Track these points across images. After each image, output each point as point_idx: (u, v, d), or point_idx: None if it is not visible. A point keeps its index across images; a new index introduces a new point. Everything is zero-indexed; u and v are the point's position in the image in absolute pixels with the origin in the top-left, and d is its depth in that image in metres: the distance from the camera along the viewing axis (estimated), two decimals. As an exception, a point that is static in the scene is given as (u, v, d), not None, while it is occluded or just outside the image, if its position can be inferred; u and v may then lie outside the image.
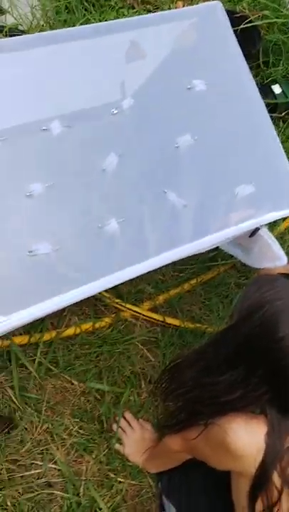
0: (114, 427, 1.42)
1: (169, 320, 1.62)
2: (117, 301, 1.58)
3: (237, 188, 1.25)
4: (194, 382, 1.12)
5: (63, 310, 1.48)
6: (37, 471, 1.32)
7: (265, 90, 1.99)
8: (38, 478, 1.31)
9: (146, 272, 1.17)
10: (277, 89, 2.00)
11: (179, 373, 1.19)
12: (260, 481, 1.05)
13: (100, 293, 1.44)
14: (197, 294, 1.73)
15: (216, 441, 1.08)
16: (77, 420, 1.41)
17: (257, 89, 1.45)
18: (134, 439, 1.42)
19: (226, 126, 1.33)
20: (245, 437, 1.04)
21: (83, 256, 1.11)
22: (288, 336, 0.95)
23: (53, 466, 1.34)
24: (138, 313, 1.60)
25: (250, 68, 1.50)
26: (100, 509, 1.32)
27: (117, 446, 1.40)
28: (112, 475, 1.38)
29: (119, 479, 1.38)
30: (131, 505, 1.37)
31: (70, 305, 1.23)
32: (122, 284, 1.24)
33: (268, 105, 1.68)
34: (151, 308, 1.64)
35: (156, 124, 1.23)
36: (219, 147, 1.29)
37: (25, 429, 1.36)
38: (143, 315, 1.61)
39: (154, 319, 1.62)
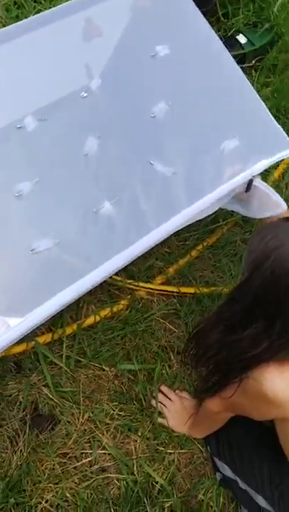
0: (153, 402, 1.44)
1: (184, 289, 1.63)
2: (130, 281, 1.59)
3: (222, 144, 1.25)
4: (220, 343, 1.13)
5: (79, 301, 1.50)
6: (88, 459, 1.34)
7: (230, 43, 1.97)
8: (90, 466, 1.34)
9: (150, 246, 1.18)
10: (242, 39, 1.97)
11: (203, 338, 1.20)
12: None
13: (111, 277, 1.45)
14: (206, 259, 1.73)
15: (254, 393, 1.10)
16: (116, 403, 1.43)
17: (221, 43, 1.43)
18: (175, 409, 1.44)
19: (198, 86, 1.32)
20: (281, 383, 1.05)
21: (85, 244, 1.12)
22: None
23: (103, 451, 1.37)
24: (152, 289, 1.61)
25: (211, 24, 1.48)
26: (157, 482, 1.35)
27: (160, 420, 1.43)
28: (162, 448, 1.40)
29: (168, 451, 1.40)
30: (185, 472, 1.40)
31: (85, 295, 1.26)
32: (130, 264, 1.25)
33: (236, 57, 1.66)
34: (164, 282, 1.65)
35: (128, 99, 1.22)
36: (196, 108, 1.28)
37: (68, 422, 1.38)
38: (157, 290, 1.62)
39: (169, 292, 1.63)
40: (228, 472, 1.37)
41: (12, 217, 1.08)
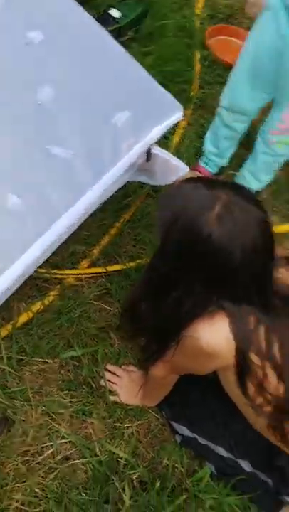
0: (102, 382, 1.47)
1: (111, 268, 1.66)
2: (55, 271, 1.59)
3: (113, 118, 1.26)
4: (149, 312, 1.17)
5: (8, 301, 1.48)
6: (50, 451, 1.35)
7: (104, 19, 1.97)
8: (53, 457, 1.35)
9: (64, 232, 1.18)
10: (115, 13, 1.98)
11: (133, 310, 1.23)
12: (242, 366, 1.12)
13: (36, 271, 1.45)
14: (126, 234, 1.76)
15: (192, 350, 1.14)
16: (66, 392, 1.44)
17: (95, 21, 1.43)
18: (124, 384, 1.47)
19: (80, 66, 1.32)
20: (214, 335, 1.10)
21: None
22: (214, 230, 0.99)
23: (63, 441, 1.38)
24: (80, 274, 1.62)
25: (81, 3, 1.48)
26: (121, 458, 1.38)
27: (112, 398, 1.45)
28: (119, 424, 1.43)
29: (126, 425, 1.43)
30: (146, 442, 1.43)
31: (13, 294, 1.25)
32: (52, 254, 1.25)
33: (112, 32, 1.68)
34: (90, 265, 1.66)
35: (10, 90, 1.21)
36: (82, 89, 1.29)
37: (23, 420, 1.38)
38: (85, 274, 1.63)
39: (97, 273, 1.65)
40: (186, 432, 1.42)
41: None
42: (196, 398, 1.42)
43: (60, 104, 1.24)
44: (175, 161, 1.33)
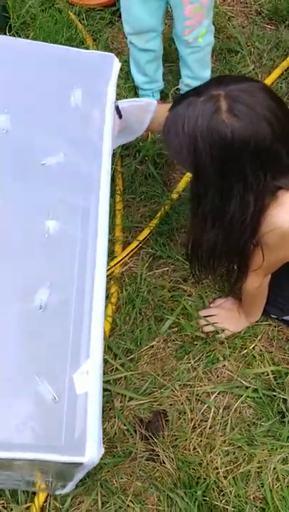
0: (207, 328, 1.48)
1: (142, 236, 1.65)
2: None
3: (71, 101, 1.23)
4: (217, 239, 1.17)
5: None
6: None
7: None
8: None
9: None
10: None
11: (200, 247, 1.23)
12: None
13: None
14: (130, 203, 1.75)
15: (277, 242, 1.16)
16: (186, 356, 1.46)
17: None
18: (225, 317, 1.49)
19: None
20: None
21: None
22: (234, 125, 0.99)
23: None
24: (122, 260, 1.61)
25: None
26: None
27: (223, 336, 1.47)
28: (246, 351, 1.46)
29: (251, 346, 1.47)
30: (276, 349, 1.47)
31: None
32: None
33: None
34: (124, 247, 1.65)
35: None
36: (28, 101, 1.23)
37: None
38: (125, 257, 1.62)
39: (134, 249, 1.64)
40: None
41: None
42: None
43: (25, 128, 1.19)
44: (141, 102, 1.33)
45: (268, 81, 1.98)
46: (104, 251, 1.06)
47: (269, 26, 2.20)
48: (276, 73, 2.01)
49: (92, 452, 0.86)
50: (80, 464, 0.86)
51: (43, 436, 0.88)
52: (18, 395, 0.91)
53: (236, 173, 1.05)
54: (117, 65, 1.31)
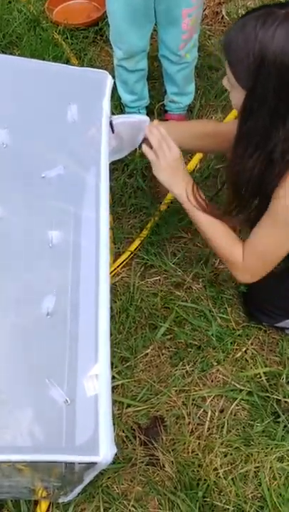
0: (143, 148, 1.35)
1: (133, 246, 1.69)
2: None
3: (67, 116, 1.27)
4: (254, 167, 1.13)
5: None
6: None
7: None
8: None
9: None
10: None
11: (237, 174, 1.18)
12: None
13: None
14: (119, 213, 1.79)
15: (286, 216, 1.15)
16: (177, 361, 1.50)
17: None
18: (167, 161, 1.30)
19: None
20: None
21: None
22: None
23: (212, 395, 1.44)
24: (114, 270, 1.65)
25: None
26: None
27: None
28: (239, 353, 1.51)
29: (243, 349, 1.51)
30: (265, 354, 1.52)
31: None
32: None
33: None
34: (116, 258, 1.69)
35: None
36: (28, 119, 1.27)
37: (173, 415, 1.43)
38: (118, 267, 1.66)
39: (126, 258, 1.68)
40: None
41: None
42: (279, 290, 1.48)
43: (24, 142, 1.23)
44: (135, 118, 1.37)
45: (248, 97, 2.06)
46: (106, 257, 1.10)
47: (246, 45, 2.29)
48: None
49: (105, 451, 0.88)
50: (94, 464, 0.89)
51: (57, 438, 0.90)
52: (30, 398, 0.93)
53: None
54: (110, 81, 1.36)
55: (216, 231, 1.32)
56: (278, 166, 1.11)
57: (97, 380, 0.95)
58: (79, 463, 0.88)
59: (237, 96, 1.10)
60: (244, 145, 1.13)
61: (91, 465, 0.90)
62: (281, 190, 1.13)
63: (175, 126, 1.58)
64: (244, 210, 1.28)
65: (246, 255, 1.29)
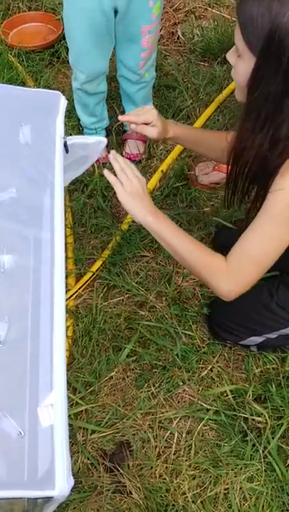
0: (105, 171, 1.32)
1: (94, 267, 1.67)
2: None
3: (20, 138, 1.25)
4: (262, 144, 1.09)
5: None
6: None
7: None
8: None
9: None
10: None
11: (243, 150, 1.14)
12: None
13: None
14: (79, 235, 1.77)
15: (282, 208, 1.10)
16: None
17: None
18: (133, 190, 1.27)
19: None
20: None
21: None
22: None
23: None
24: (75, 293, 1.62)
25: None
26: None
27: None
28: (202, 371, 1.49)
29: (208, 367, 1.49)
30: (232, 368, 1.51)
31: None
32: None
33: None
34: (78, 279, 1.66)
35: None
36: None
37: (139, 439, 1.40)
38: (80, 288, 1.63)
39: (89, 279, 1.65)
40: (256, 340, 1.49)
41: None
42: (241, 308, 1.46)
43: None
44: (92, 140, 1.35)
45: (205, 115, 2.09)
46: (62, 281, 1.06)
47: (203, 63, 2.34)
48: (212, 107, 2.12)
49: (61, 484, 0.84)
50: (50, 498, 0.85)
51: (10, 473, 0.86)
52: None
53: None
54: (63, 102, 1.34)
55: (188, 244, 1.24)
56: (283, 143, 1.06)
57: (52, 409, 0.91)
58: (34, 498, 0.84)
59: (243, 66, 1.05)
60: (253, 118, 1.07)
61: (48, 499, 0.86)
62: (281, 179, 1.08)
63: (210, 135, 1.54)
64: (242, 198, 1.24)
65: (235, 262, 1.19)
